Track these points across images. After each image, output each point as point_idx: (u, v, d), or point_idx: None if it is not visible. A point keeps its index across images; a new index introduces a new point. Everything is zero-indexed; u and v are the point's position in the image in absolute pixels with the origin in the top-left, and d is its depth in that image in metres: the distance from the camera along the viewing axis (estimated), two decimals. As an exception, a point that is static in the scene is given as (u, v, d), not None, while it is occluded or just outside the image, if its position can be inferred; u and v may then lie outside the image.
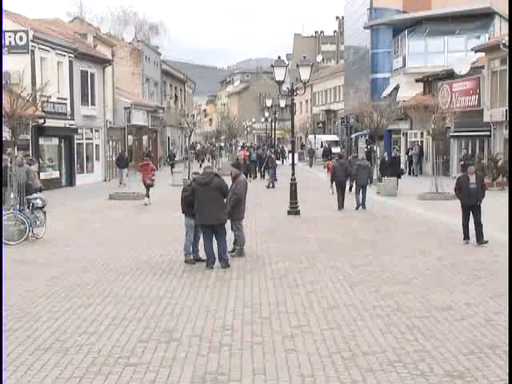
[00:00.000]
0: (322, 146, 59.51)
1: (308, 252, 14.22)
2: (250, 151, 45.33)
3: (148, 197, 24.90)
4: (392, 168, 29.78)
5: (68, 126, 33.04)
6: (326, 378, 6.78)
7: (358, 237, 16.48)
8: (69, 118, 33.09)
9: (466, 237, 15.11)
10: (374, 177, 29.26)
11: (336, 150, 53.13)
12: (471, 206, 15.01)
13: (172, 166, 44.74)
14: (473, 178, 15.00)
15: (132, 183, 28.72)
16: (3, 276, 10.76)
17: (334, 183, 23.81)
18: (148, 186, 24.96)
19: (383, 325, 8.63)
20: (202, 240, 12.99)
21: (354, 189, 24.10)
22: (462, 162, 31.46)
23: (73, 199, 26.44)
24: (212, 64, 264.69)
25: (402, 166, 38.90)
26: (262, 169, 38.40)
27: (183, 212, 13.19)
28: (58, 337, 8.17)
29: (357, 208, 22.57)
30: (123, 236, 16.96)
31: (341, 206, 22.54)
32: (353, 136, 60.31)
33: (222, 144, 64.75)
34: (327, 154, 53.36)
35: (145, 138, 49.00)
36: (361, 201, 22.69)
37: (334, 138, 64.33)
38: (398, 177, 29.22)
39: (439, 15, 46.98)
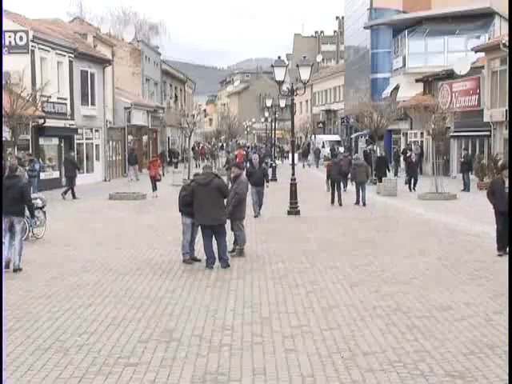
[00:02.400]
0: (323, 146, 59.27)
1: (308, 252, 14.22)
2: (247, 151, 46.67)
3: (155, 189, 27.91)
4: (379, 167, 30.74)
5: (68, 126, 33.04)
6: (326, 378, 6.78)
7: (357, 237, 16.48)
8: (69, 118, 33.08)
9: (502, 247, 13.37)
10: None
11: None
12: (506, 211, 13.13)
13: (175, 165, 44.93)
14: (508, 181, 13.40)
15: (134, 182, 28.83)
16: (3, 276, 10.77)
17: (329, 180, 25.19)
18: (156, 181, 28.22)
19: (383, 325, 8.63)
20: (201, 240, 13.00)
21: (353, 187, 24.84)
22: (463, 159, 31.47)
23: (73, 199, 26.41)
24: (212, 64, 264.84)
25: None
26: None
27: (180, 211, 13.20)
28: (58, 337, 8.17)
29: (356, 203, 23.69)
30: (123, 236, 16.96)
31: (333, 201, 23.92)
32: (353, 136, 60.31)
33: (220, 144, 64.66)
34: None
35: (145, 137, 49.01)
36: (361, 197, 23.71)
37: (336, 137, 63.29)
38: (384, 175, 30.09)
39: (439, 15, 47.00)
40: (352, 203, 23.67)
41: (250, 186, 18.73)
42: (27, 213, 16.07)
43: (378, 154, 33.56)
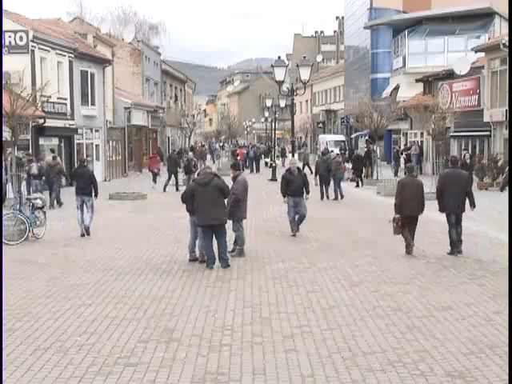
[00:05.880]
0: (326, 145, 58.73)
1: (308, 252, 14.22)
2: (248, 150, 49.29)
3: (155, 182, 32.00)
4: (356, 166, 32.30)
5: (68, 126, 33.05)
6: (326, 378, 6.78)
7: (357, 237, 16.48)
8: (69, 117, 33.08)
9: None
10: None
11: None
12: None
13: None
14: None
15: (134, 183, 28.88)
16: (3, 276, 10.77)
17: (317, 176, 26.31)
18: (155, 174, 32.50)
19: (383, 325, 8.63)
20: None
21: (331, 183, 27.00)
22: (463, 159, 31.41)
23: (72, 199, 26.37)
24: (212, 64, 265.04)
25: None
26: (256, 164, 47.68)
27: (189, 211, 13.13)
28: (58, 337, 8.17)
29: (335, 198, 25.99)
30: (123, 236, 16.96)
31: (322, 196, 25.90)
32: (353, 136, 60.28)
33: (217, 145, 64.54)
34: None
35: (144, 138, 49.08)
36: (338, 192, 26.15)
37: (341, 137, 61.53)
38: (361, 173, 32.15)
39: (439, 15, 47.01)
40: (343, 199, 25.88)
41: (287, 197, 16.70)
42: (27, 213, 16.23)
43: (358, 153, 34.66)
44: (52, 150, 28.58)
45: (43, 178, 24.13)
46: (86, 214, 16.97)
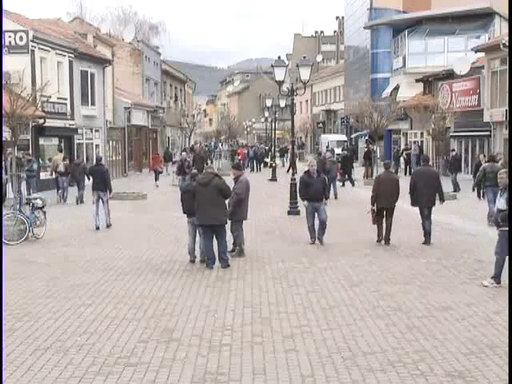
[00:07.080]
0: (327, 146, 58.59)
1: (308, 252, 14.22)
2: (248, 150, 49.82)
3: (157, 180, 33.63)
4: (345, 165, 31.86)
5: (68, 125, 33.04)
6: (326, 378, 6.78)
7: (357, 236, 16.48)
8: (69, 117, 33.07)
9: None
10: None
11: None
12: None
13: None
14: None
15: (134, 183, 28.85)
16: (3, 276, 10.77)
17: None
18: (158, 173, 34.36)
19: (383, 325, 8.63)
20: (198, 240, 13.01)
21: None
22: (451, 159, 31.05)
23: (73, 199, 26.42)
24: (212, 64, 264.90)
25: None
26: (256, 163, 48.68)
27: (188, 213, 13.19)
28: (58, 337, 8.17)
29: (335, 198, 25.51)
30: (123, 236, 16.96)
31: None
32: (353, 136, 60.28)
33: (220, 146, 64.42)
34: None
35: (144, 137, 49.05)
36: (333, 191, 25.55)
37: (343, 137, 60.52)
38: (350, 173, 31.50)
39: (439, 15, 47.04)
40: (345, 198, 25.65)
41: (304, 202, 15.68)
42: (27, 213, 16.22)
43: (344, 153, 34.85)
44: (60, 150, 29.16)
45: (69, 175, 25.67)
46: (102, 209, 18.06)
